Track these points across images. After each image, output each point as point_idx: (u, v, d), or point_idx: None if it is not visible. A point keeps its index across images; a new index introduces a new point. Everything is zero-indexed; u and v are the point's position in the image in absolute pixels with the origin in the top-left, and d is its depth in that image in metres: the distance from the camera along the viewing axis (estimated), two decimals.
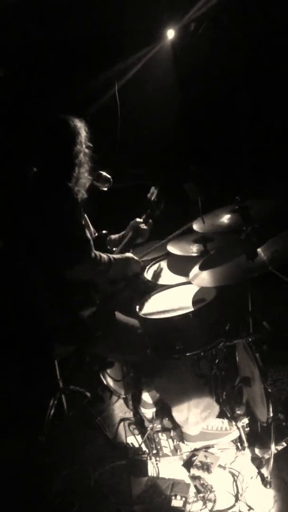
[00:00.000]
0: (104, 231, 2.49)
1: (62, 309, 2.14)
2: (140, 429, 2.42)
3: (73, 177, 2.11)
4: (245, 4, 3.35)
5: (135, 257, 2.30)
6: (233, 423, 2.25)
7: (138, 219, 2.56)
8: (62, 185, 2.03)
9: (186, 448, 2.30)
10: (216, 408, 2.30)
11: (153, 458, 2.25)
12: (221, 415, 2.34)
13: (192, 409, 2.20)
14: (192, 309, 2.09)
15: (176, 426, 2.31)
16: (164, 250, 2.65)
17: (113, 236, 2.59)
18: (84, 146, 2.16)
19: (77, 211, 2.04)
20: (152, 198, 2.59)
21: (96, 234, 2.46)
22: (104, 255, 2.09)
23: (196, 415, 2.21)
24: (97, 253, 2.05)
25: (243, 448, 2.22)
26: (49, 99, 3.35)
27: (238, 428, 2.21)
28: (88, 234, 2.09)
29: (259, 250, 2.06)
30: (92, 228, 2.44)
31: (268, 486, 2.00)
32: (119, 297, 2.35)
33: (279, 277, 2.46)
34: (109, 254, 2.15)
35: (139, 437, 2.42)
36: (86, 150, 2.18)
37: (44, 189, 2.05)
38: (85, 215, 2.30)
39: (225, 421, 2.30)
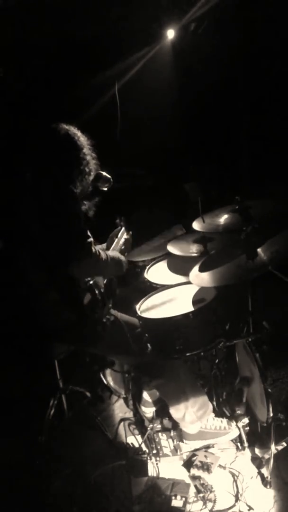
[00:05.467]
0: None
1: (63, 308, 2.14)
2: (140, 429, 2.42)
3: (78, 183, 2.14)
4: (245, 4, 3.35)
5: (123, 258, 2.32)
6: (232, 422, 2.26)
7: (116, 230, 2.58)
8: (66, 188, 2.04)
9: (186, 448, 2.30)
10: (210, 407, 2.30)
11: (153, 458, 2.25)
12: (220, 414, 2.34)
13: (189, 407, 2.20)
14: (192, 309, 2.09)
15: (176, 426, 2.31)
16: (164, 250, 2.66)
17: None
18: (90, 156, 2.20)
19: (79, 210, 2.06)
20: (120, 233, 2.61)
21: None
22: (102, 252, 2.11)
23: (192, 414, 2.21)
24: (97, 249, 2.07)
25: (243, 448, 2.22)
26: (49, 100, 3.35)
27: (238, 428, 2.21)
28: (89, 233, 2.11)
29: (259, 250, 2.06)
30: None
31: (268, 486, 2.00)
32: (118, 296, 2.36)
33: (279, 277, 2.46)
34: (105, 251, 2.17)
35: (139, 437, 2.42)
36: (93, 161, 2.21)
37: (48, 191, 2.06)
38: None
39: (224, 420, 2.30)
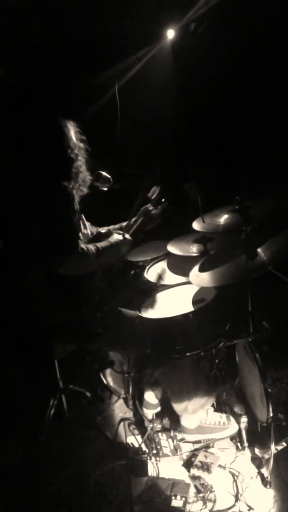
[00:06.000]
0: (102, 230, 2.50)
1: (62, 307, 2.14)
2: (140, 429, 2.42)
3: (71, 173, 2.12)
4: (245, 4, 3.35)
5: (122, 237, 2.30)
6: (231, 418, 2.26)
7: (149, 205, 2.56)
8: (57, 184, 2.03)
9: (186, 448, 2.30)
10: (212, 396, 2.30)
11: (153, 458, 2.25)
12: (219, 409, 2.34)
13: (192, 397, 2.21)
14: (192, 309, 2.09)
15: (175, 426, 2.31)
16: (164, 250, 2.65)
17: (124, 223, 2.60)
18: (75, 140, 2.16)
19: (69, 209, 2.05)
20: (153, 197, 2.58)
21: (95, 234, 2.47)
22: (90, 246, 2.09)
23: (195, 402, 2.22)
24: (84, 245, 2.06)
25: (243, 448, 2.22)
26: (47, 100, 3.35)
27: (239, 428, 2.21)
28: (80, 233, 2.10)
29: (259, 250, 2.06)
30: (90, 228, 2.45)
31: (268, 486, 2.00)
32: (118, 296, 2.36)
33: (279, 277, 2.46)
34: (96, 244, 2.15)
35: (139, 437, 2.42)
36: (81, 145, 2.18)
37: (39, 188, 2.05)
38: (82, 214, 2.31)
39: (223, 415, 2.31)
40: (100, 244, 2.17)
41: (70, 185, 2.11)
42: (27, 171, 2.13)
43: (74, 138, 2.15)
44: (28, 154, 2.15)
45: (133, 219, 2.57)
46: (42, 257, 2.04)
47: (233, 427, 2.26)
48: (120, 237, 2.30)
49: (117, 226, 2.62)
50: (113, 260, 2.35)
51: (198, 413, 2.25)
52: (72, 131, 2.15)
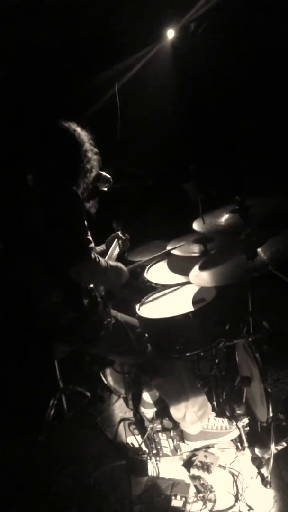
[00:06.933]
0: None
1: (63, 308, 2.14)
2: (140, 429, 2.42)
3: (81, 182, 2.12)
4: (245, 4, 3.35)
5: (125, 268, 2.28)
6: (233, 422, 2.25)
7: (118, 232, 2.58)
8: (69, 189, 2.03)
9: (186, 448, 2.30)
10: (210, 408, 2.30)
11: (153, 458, 2.25)
12: (221, 414, 2.34)
13: (189, 408, 2.21)
14: (192, 309, 2.09)
15: (176, 426, 2.31)
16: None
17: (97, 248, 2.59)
18: (92, 152, 2.16)
19: (82, 213, 2.05)
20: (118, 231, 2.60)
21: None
22: (102, 260, 2.08)
23: (192, 414, 2.22)
24: (97, 256, 2.06)
25: (243, 448, 2.22)
26: (49, 100, 3.35)
27: (238, 428, 2.21)
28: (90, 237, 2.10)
29: (259, 250, 2.06)
30: None
31: (268, 486, 2.00)
32: (118, 296, 2.35)
33: (279, 277, 2.46)
34: (106, 260, 2.14)
35: (139, 437, 2.42)
36: (95, 157, 2.18)
37: (50, 192, 2.05)
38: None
39: (225, 420, 2.30)
40: (109, 263, 2.15)
41: (80, 190, 2.11)
42: (40, 178, 2.13)
43: (89, 150, 2.14)
44: (41, 162, 2.14)
45: (103, 245, 2.57)
46: (54, 258, 2.03)
47: (235, 432, 2.25)
48: (124, 268, 2.27)
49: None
50: (112, 283, 2.25)
51: (197, 424, 2.24)
52: (87, 142, 2.14)
